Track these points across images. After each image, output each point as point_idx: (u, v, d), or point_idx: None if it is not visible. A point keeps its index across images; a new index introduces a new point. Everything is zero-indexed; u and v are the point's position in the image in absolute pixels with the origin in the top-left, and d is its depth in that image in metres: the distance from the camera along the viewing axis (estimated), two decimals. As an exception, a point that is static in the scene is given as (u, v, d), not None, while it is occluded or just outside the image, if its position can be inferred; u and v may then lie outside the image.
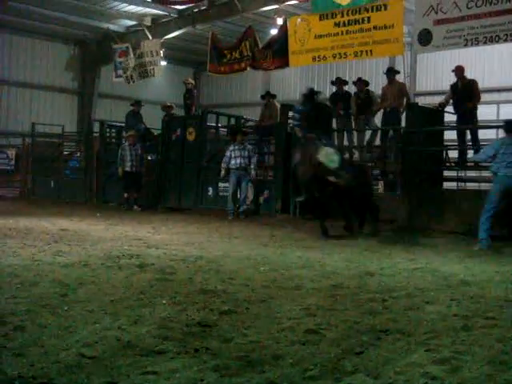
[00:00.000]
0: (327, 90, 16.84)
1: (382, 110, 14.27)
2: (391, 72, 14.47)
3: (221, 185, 14.88)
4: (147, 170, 16.65)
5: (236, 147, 13.95)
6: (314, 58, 14.77)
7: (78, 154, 20.58)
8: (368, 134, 14.73)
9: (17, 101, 25.22)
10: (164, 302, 4.83)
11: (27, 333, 3.84)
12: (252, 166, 13.89)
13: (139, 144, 16.28)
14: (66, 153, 21.45)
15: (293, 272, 6.56)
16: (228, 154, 13.98)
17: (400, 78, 14.87)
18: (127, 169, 15.92)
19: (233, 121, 17.18)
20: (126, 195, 16.28)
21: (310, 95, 11.12)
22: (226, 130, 16.91)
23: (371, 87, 15.12)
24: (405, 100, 14.03)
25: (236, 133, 14.50)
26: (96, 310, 4.48)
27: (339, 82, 15.31)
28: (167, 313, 4.46)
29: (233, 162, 13.85)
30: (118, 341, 3.72)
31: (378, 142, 14.58)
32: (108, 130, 19.28)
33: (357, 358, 3.59)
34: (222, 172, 14.13)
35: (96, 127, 20.17)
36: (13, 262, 6.50)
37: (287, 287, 5.66)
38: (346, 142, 14.75)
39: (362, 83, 14.63)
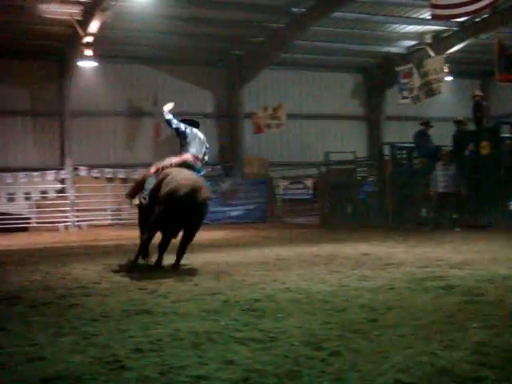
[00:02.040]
0: None
1: None
2: None
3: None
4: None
5: None
6: None
7: (371, 178, 20.92)
8: None
9: (309, 132, 26.63)
10: (475, 325, 4.66)
11: (343, 358, 3.93)
12: None
13: (454, 164, 15.86)
14: (359, 178, 22.01)
15: None
16: None
17: None
18: (440, 189, 15.61)
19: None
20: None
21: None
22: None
23: None
24: None
25: None
26: (407, 334, 4.48)
27: None
28: (480, 337, 4.30)
29: None
30: (431, 366, 3.67)
31: None
32: (398, 151, 19.34)
33: None
34: None
35: (386, 150, 20.31)
36: (321, 288, 6.77)
37: None
38: None
39: None
